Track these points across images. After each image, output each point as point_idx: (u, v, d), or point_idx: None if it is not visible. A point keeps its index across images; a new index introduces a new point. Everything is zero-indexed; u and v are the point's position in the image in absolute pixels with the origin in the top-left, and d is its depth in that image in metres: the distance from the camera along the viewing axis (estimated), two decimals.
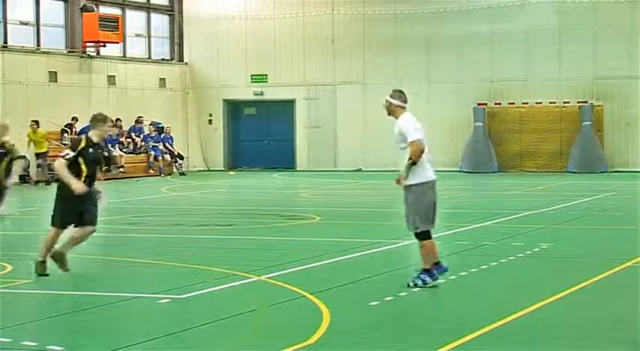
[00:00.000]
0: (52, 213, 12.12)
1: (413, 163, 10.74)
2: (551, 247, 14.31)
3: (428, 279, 10.70)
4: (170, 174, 35.88)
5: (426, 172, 10.89)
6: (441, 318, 9.41)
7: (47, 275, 11.72)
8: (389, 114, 11.06)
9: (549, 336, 8.54)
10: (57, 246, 11.94)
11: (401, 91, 11.09)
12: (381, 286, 11.05)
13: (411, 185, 10.80)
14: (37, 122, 31.28)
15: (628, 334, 8.63)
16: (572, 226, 17.68)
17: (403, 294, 10.42)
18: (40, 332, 8.90)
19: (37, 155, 31.26)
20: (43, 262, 11.85)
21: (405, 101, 11.00)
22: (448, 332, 8.59)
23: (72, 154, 11.83)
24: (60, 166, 11.76)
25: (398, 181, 10.94)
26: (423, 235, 10.84)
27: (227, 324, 9.14)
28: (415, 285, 10.65)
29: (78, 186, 11.73)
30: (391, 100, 11.01)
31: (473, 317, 9.30)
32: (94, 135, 12.16)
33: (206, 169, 38.92)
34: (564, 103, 35.00)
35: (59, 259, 11.85)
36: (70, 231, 12.04)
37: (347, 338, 8.50)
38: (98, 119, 12.22)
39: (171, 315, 9.88)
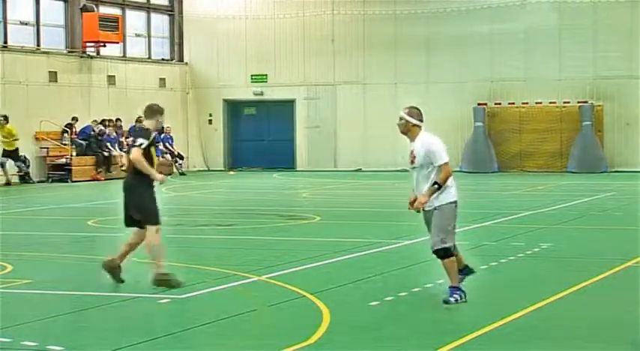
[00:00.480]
0: (146, 211, 11.05)
1: (439, 187, 9.90)
2: (551, 247, 14.32)
3: (458, 295, 9.92)
4: (170, 174, 35.84)
5: (453, 191, 10.11)
6: (441, 318, 9.41)
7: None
8: (403, 133, 10.16)
9: (549, 336, 8.54)
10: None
11: (418, 109, 10.20)
12: (381, 286, 11.05)
13: (440, 205, 9.96)
14: (5, 117, 30.47)
15: (628, 334, 8.63)
16: (572, 226, 17.68)
17: (403, 294, 10.42)
18: (40, 332, 8.90)
19: (5, 152, 30.37)
20: (167, 273, 10.95)
21: (422, 119, 10.16)
22: (448, 332, 8.59)
23: (146, 142, 10.97)
24: (139, 155, 10.84)
25: (412, 204, 10.02)
26: (446, 252, 9.96)
27: (227, 324, 9.14)
28: (449, 302, 9.87)
29: (160, 176, 11.06)
30: (408, 118, 10.09)
31: (473, 317, 9.30)
32: (150, 126, 11.28)
33: (206, 169, 38.92)
34: (564, 103, 35.01)
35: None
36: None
37: (347, 338, 8.50)
38: (155, 110, 11.35)
39: (171, 315, 9.88)
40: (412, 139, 10.11)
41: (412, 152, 10.08)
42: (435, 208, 9.96)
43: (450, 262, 9.99)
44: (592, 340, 8.48)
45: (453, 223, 10.10)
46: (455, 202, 10.09)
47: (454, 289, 9.95)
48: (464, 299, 9.89)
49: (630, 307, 9.58)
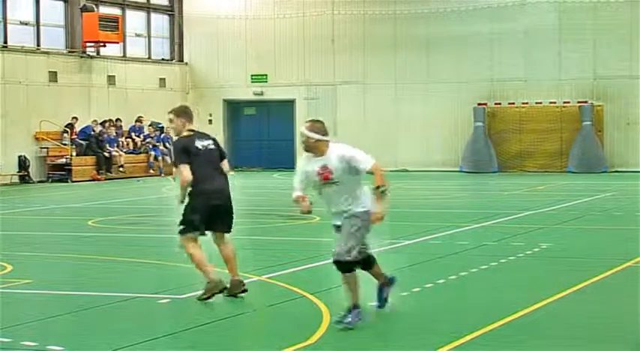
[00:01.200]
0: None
1: (384, 189, 8.91)
2: (551, 247, 14.31)
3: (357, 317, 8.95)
4: (170, 174, 35.85)
5: (367, 201, 9.05)
6: (441, 318, 9.40)
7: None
8: (307, 150, 9.02)
9: (549, 336, 8.54)
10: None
11: (321, 122, 9.10)
12: None
13: (357, 212, 8.97)
14: None
15: (628, 334, 8.63)
16: (572, 226, 17.67)
17: (403, 294, 10.40)
18: (40, 332, 8.90)
19: None
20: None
21: (327, 133, 9.02)
22: (448, 332, 8.58)
23: None
24: None
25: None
26: (347, 266, 9.11)
27: (227, 324, 9.14)
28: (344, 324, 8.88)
29: None
30: (311, 134, 8.95)
31: (473, 317, 9.29)
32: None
33: None
34: (564, 103, 35.00)
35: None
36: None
37: (347, 338, 8.50)
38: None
39: (171, 315, 9.87)
40: (320, 156, 8.98)
41: (325, 167, 8.91)
42: (360, 213, 8.98)
43: (352, 277, 9.14)
44: (592, 340, 8.47)
45: (365, 234, 9.15)
46: (367, 211, 8.99)
47: (354, 308, 8.97)
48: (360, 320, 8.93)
49: (630, 307, 9.58)
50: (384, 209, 8.92)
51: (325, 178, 8.95)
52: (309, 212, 9.15)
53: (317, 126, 9.00)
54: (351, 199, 8.97)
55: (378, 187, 8.89)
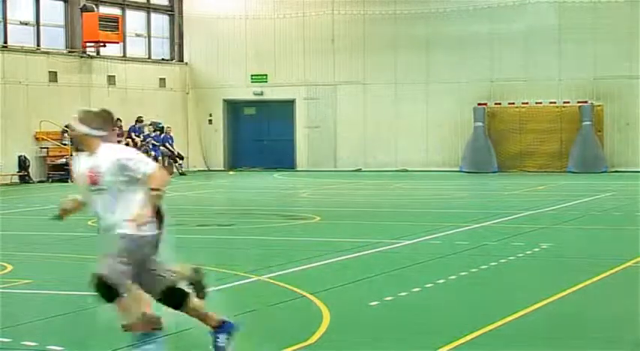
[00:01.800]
0: None
1: (158, 193, 7.25)
2: (551, 247, 14.31)
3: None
4: (170, 174, 35.87)
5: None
6: (441, 318, 9.40)
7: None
8: (78, 148, 7.58)
9: (549, 336, 8.54)
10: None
11: (96, 112, 7.44)
12: (381, 286, 11.05)
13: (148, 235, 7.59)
14: None
15: (628, 334, 8.63)
16: (572, 226, 17.68)
17: (403, 294, 10.41)
18: (40, 332, 8.90)
19: None
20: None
21: (103, 127, 7.37)
22: (448, 332, 8.58)
23: None
24: None
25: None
26: (181, 297, 8.09)
27: None
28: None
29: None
30: (78, 126, 7.32)
31: (473, 317, 9.29)
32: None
33: (206, 169, 38.92)
34: (564, 103, 35.03)
35: None
36: None
37: (347, 338, 8.50)
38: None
39: (171, 315, 9.86)
40: (91, 153, 7.35)
41: (92, 170, 7.29)
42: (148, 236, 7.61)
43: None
44: (592, 340, 8.47)
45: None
46: (153, 235, 7.72)
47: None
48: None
49: (630, 307, 9.58)
50: (145, 215, 7.25)
51: (93, 181, 7.32)
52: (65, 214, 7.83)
53: (88, 117, 7.35)
54: (124, 214, 7.32)
55: (152, 189, 7.22)
